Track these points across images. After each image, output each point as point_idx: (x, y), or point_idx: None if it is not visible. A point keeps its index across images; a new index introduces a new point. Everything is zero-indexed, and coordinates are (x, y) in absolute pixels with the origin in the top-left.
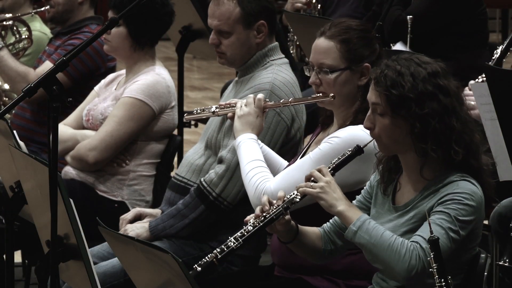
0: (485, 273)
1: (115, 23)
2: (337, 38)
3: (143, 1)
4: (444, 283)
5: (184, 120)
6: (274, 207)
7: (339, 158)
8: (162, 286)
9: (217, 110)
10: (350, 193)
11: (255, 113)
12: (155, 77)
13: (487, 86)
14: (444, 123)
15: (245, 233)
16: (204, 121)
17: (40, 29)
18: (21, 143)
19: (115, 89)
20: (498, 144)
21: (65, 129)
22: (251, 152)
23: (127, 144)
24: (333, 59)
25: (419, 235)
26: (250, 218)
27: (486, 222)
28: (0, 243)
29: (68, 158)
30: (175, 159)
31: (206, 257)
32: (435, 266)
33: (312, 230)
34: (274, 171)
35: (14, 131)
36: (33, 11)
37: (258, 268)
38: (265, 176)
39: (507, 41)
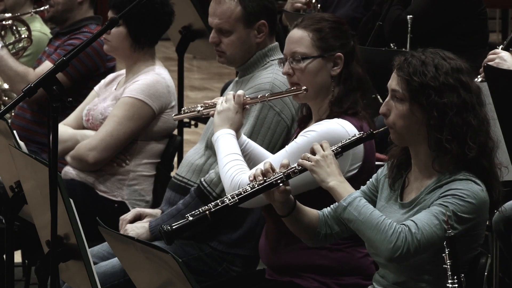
0: (485, 273)
1: (115, 23)
2: (310, 27)
3: (143, 1)
4: (456, 281)
5: (173, 120)
6: (276, 174)
7: (350, 139)
8: (162, 286)
9: (202, 109)
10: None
11: (234, 109)
12: (155, 77)
13: (487, 86)
14: (461, 117)
15: (243, 192)
16: (204, 121)
17: (40, 29)
18: (21, 143)
19: (115, 89)
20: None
21: (65, 129)
22: (228, 146)
23: (127, 144)
24: (306, 47)
25: (411, 220)
26: (252, 176)
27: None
28: (0, 243)
29: (68, 158)
30: (175, 159)
31: (200, 209)
32: (449, 262)
33: (310, 210)
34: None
35: (14, 131)
36: (33, 10)
37: (249, 273)
38: (241, 168)
39: (507, 41)
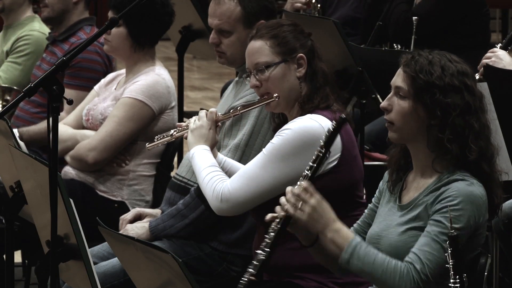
0: (485, 273)
1: (115, 23)
2: (266, 35)
3: (143, 1)
4: (458, 281)
5: (147, 149)
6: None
7: (326, 136)
8: (162, 286)
9: (175, 132)
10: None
11: (207, 126)
12: (155, 77)
13: (487, 86)
14: (464, 119)
15: (269, 241)
16: None
17: (39, 29)
18: (21, 143)
19: (115, 89)
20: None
21: (64, 129)
22: (205, 160)
23: (127, 144)
24: (267, 56)
25: (414, 253)
26: (269, 216)
27: None
28: (0, 243)
29: (67, 158)
30: (175, 159)
31: (243, 278)
32: (451, 262)
33: None
34: None
35: (14, 131)
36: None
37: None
38: (221, 177)
39: (506, 40)
